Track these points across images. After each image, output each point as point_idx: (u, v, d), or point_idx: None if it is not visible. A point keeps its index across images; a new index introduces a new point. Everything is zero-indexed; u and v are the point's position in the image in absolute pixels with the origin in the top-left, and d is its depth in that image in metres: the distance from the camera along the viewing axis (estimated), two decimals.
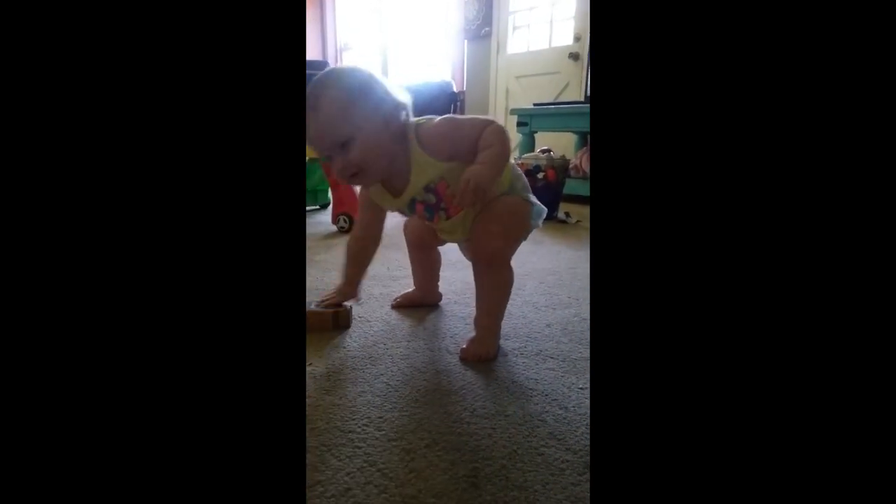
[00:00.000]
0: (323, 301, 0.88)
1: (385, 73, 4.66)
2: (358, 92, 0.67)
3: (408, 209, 0.78)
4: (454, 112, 3.63)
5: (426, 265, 0.96)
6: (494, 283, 0.77)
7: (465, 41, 3.86)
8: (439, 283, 1.00)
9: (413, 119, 0.73)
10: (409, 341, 0.81)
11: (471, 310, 0.95)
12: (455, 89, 3.79)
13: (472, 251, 0.76)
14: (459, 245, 0.87)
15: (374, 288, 1.07)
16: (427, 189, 0.74)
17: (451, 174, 0.71)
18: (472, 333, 0.79)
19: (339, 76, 0.69)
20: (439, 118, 0.72)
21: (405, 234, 0.93)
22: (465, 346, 0.76)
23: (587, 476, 0.49)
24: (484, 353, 0.75)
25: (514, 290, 1.06)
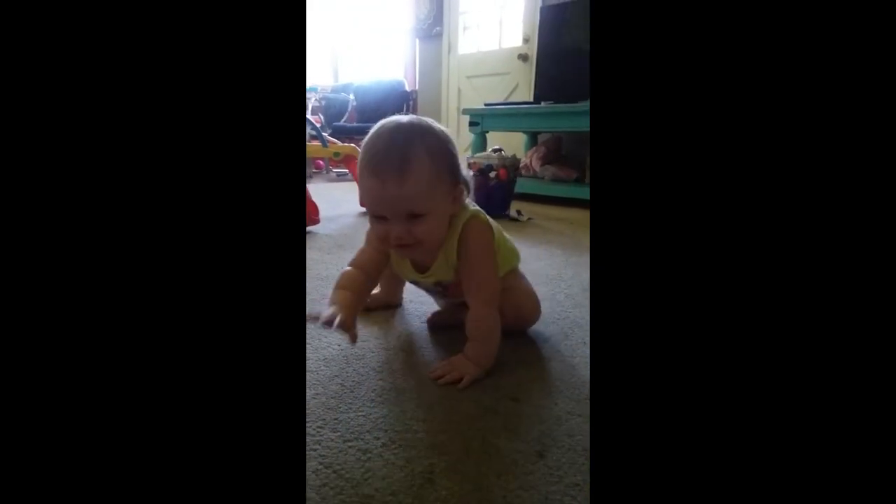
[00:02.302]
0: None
1: (336, 71, 4.58)
2: (446, 163, 0.63)
3: (411, 282, 0.81)
4: (407, 111, 3.62)
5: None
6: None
7: (417, 40, 3.86)
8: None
9: (468, 205, 0.70)
10: (363, 342, 0.80)
11: (425, 308, 0.96)
12: (407, 88, 3.79)
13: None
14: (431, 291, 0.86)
15: (327, 289, 1.05)
16: (438, 283, 0.76)
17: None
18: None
19: (431, 138, 0.62)
20: (482, 230, 0.70)
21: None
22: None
23: (540, 464, 0.51)
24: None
25: None
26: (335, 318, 0.63)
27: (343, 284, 0.73)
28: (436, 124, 0.66)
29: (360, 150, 0.65)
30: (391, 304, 0.97)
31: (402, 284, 0.98)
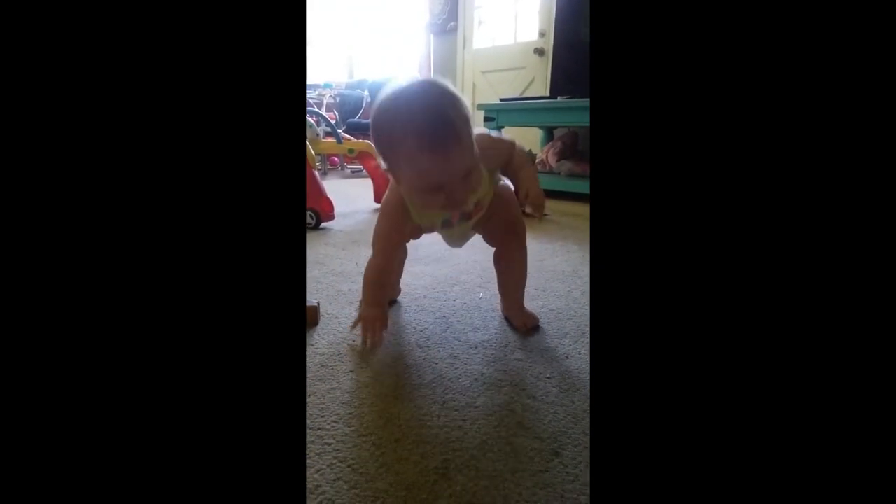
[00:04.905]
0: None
1: (351, 68, 4.59)
2: (468, 116, 0.63)
3: (444, 222, 0.79)
4: None
5: (396, 263, 0.94)
6: (522, 258, 0.88)
7: (431, 35, 3.85)
8: (402, 278, 1.00)
9: None
10: None
11: (441, 304, 0.95)
12: None
13: (504, 234, 0.85)
14: (451, 239, 0.90)
15: (342, 284, 1.06)
16: (477, 203, 0.77)
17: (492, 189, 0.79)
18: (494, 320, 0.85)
19: (449, 98, 0.62)
20: (476, 132, 0.70)
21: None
22: (519, 323, 0.85)
23: (555, 462, 0.51)
24: (535, 321, 0.86)
25: (482, 282, 1.08)
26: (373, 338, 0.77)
27: (377, 280, 0.81)
28: (439, 82, 0.64)
29: (379, 132, 0.64)
30: (391, 298, 0.97)
31: (401, 275, 0.98)
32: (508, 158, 0.77)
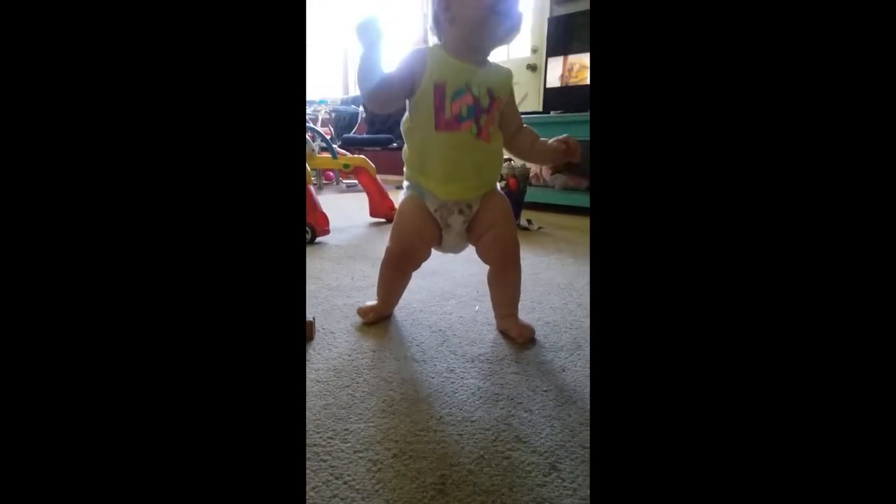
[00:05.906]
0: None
1: (346, 83, 4.63)
2: None
3: (454, 95, 0.78)
4: None
5: (401, 287, 0.95)
6: (517, 276, 0.89)
7: None
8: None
9: None
10: (374, 351, 0.80)
11: (437, 317, 0.95)
12: None
13: (500, 255, 0.87)
14: (451, 245, 0.90)
15: (337, 299, 1.06)
16: (489, 92, 0.80)
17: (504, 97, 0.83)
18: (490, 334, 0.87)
19: None
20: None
21: (391, 257, 0.90)
22: (516, 334, 0.85)
23: (553, 476, 0.50)
24: (532, 332, 0.86)
25: (478, 296, 1.08)
26: None
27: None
28: None
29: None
30: (387, 315, 0.97)
31: (401, 292, 0.97)
32: (534, 138, 0.88)
